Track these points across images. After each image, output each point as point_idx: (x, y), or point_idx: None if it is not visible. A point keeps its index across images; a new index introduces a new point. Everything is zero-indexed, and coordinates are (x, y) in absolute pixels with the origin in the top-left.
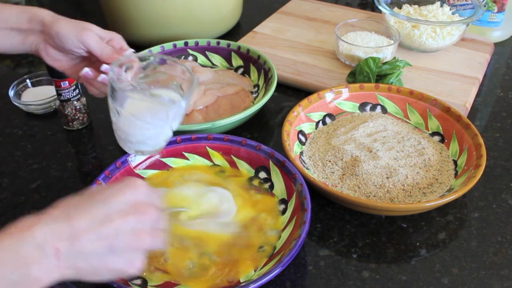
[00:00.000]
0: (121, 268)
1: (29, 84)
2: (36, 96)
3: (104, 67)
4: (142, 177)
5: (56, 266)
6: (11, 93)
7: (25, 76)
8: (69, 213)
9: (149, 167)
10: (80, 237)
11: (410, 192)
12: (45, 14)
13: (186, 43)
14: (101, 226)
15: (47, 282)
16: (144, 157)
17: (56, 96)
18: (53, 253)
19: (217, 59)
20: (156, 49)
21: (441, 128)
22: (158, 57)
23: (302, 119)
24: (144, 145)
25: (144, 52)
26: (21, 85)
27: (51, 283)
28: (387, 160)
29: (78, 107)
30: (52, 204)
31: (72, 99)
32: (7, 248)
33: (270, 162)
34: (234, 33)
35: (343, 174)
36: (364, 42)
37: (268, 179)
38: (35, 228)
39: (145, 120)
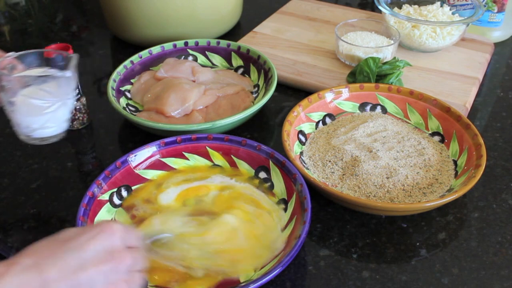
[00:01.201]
0: None
1: None
2: None
3: None
4: (142, 177)
5: None
6: None
7: None
8: (40, 263)
9: (149, 167)
10: (51, 287)
11: (410, 192)
12: None
13: (186, 43)
14: (74, 275)
15: None
16: (143, 157)
17: None
18: None
19: (217, 59)
20: (156, 49)
21: (441, 128)
22: (36, 52)
23: (302, 119)
24: (46, 129)
25: (24, 52)
26: None
27: None
28: (387, 160)
29: (78, 107)
30: (22, 251)
31: None
32: None
33: (270, 162)
34: (234, 33)
35: (343, 174)
36: (364, 42)
37: (268, 179)
38: (4, 279)
39: (38, 98)
